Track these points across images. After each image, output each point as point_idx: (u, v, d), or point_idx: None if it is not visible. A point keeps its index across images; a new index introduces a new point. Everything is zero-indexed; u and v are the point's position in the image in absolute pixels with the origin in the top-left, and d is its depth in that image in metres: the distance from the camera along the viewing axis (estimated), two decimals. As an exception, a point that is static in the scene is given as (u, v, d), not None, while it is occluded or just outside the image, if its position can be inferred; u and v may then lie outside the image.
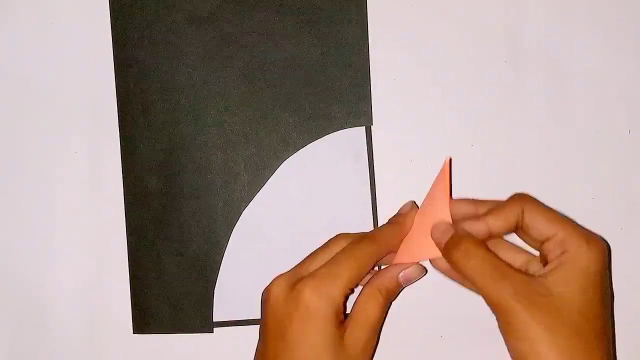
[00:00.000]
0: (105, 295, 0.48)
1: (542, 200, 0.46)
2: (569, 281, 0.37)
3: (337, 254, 0.41)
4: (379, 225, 0.46)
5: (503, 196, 0.44)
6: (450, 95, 0.47)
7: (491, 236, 0.40)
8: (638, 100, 0.47)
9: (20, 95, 0.49)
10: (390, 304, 0.42)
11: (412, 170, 0.47)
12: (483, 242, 0.39)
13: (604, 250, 0.38)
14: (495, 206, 0.40)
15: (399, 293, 0.42)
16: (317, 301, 0.39)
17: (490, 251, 0.39)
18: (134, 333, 0.48)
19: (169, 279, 0.47)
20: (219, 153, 0.47)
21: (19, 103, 0.48)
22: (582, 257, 0.37)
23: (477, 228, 0.39)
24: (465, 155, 0.47)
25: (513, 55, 0.47)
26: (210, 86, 0.47)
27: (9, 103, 0.49)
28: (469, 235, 0.39)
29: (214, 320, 0.47)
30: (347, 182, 0.46)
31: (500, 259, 0.38)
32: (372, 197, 0.46)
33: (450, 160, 0.41)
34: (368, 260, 0.40)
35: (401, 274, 0.41)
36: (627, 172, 0.47)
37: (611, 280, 0.42)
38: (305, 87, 0.47)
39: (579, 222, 0.46)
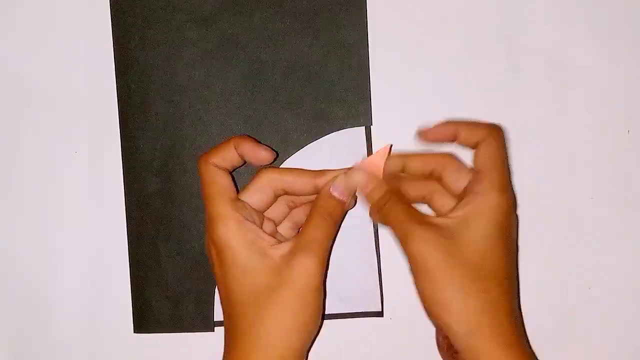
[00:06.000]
0: (106, 295, 0.48)
1: (541, 199, 0.47)
2: (472, 225, 0.39)
3: None
4: (377, 227, 0.47)
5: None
6: (450, 96, 0.47)
7: (406, 173, 0.43)
8: (638, 100, 0.47)
9: (21, 95, 0.49)
10: (339, 225, 0.42)
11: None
12: (399, 196, 0.41)
13: (511, 204, 0.40)
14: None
15: (347, 209, 0.42)
16: (218, 237, 0.40)
17: (404, 203, 0.41)
18: (134, 332, 0.48)
19: (170, 278, 0.47)
20: (220, 153, 0.47)
21: (20, 103, 0.49)
22: (490, 204, 0.39)
23: (393, 162, 0.42)
24: (465, 156, 0.47)
25: (513, 56, 0.47)
26: (211, 86, 0.47)
27: (10, 103, 0.49)
28: (389, 189, 0.41)
29: (215, 320, 0.47)
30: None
31: (411, 208, 0.40)
32: (372, 197, 0.46)
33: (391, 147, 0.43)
34: (265, 188, 0.42)
35: (330, 187, 0.41)
36: (626, 172, 0.47)
37: (517, 235, 0.43)
38: (306, 87, 0.47)
39: (578, 221, 0.47)
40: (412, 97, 0.47)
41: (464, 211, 0.39)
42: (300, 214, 0.44)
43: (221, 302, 0.41)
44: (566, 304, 0.47)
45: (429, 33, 0.47)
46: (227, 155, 0.41)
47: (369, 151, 0.46)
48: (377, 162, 0.42)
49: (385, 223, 0.41)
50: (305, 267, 0.39)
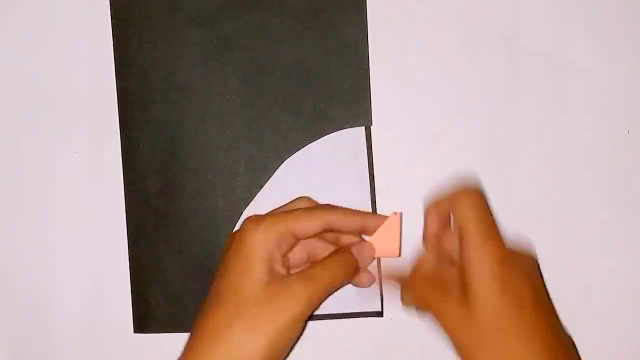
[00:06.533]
0: (106, 295, 0.48)
1: (540, 200, 0.47)
2: (472, 293, 0.38)
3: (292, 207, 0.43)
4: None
5: (502, 197, 0.44)
6: (450, 96, 0.47)
7: None
8: (637, 100, 0.47)
9: (21, 95, 0.49)
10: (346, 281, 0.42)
11: (411, 170, 0.47)
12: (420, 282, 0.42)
13: (498, 258, 0.38)
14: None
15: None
16: (249, 236, 0.39)
17: (428, 285, 0.41)
18: (134, 332, 0.48)
19: (170, 278, 0.47)
20: (220, 153, 0.47)
21: (20, 103, 0.49)
22: (475, 271, 0.38)
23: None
24: (465, 156, 0.47)
25: (513, 56, 0.47)
26: (211, 86, 0.47)
27: (10, 103, 0.49)
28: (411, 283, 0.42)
29: (214, 320, 0.47)
30: (346, 182, 0.46)
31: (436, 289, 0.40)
32: (371, 196, 0.46)
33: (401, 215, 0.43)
34: (316, 218, 0.41)
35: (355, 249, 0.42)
36: (626, 173, 0.47)
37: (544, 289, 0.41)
38: (305, 87, 0.47)
39: (578, 222, 0.47)
40: (412, 97, 0.47)
41: (463, 280, 0.39)
42: None
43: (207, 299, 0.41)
44: (566, 305, 0.47)
45: (429, 33, 0.47)
46: (345, 223, 0.42)
47: (369, 151, 0.46)
48: (391, 234, 0.43)
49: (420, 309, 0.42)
50: (296, 296, 0.38)
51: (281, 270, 0.40)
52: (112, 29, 0.48)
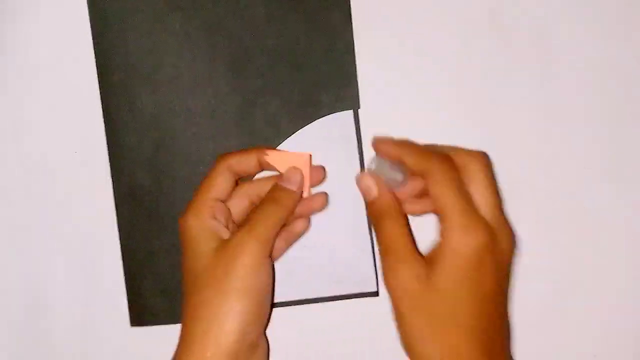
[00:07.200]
0: (102, 290, 0.48)
1: (538, 194, 0.47)
2: (436, 268, 0.37)
3: None
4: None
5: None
6: (436, 77, 0.47)
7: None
8: (630, 79, 0.47)
9: (16, 91, 0.48)
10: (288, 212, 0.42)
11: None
12: (399, 217, 0.40)
13: (479, 243, 0.37)
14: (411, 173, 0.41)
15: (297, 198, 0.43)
16: (185, 227, 0.42)
17: (403, 227, 0.39)
18: (131, 326, 0.48)
19: (164, 271, 0.47)
20: (210, 143, 0.47)
21: (14, 99, 0.48)
22: (451, 247, 0.37)
23: (390, 149, 0.41)
24: (454, 135, 0.47)
25: (501, 35, 0.47)
26: (197, 76, 0.47)
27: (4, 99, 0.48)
28: (390, 207, 0.40)
29: (211, 309, 0.47)
30: (337, 165, 0.46)
31: (408, 237, 0.39)
32: (362, 179, 0.47)
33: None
34: (220, 172, 0.42)
35: (282, 180, 0.43)
36: (622, 164, 0.47)
37: (506, 271, 0.40)
38: (292, 73, 0.47)
39: (570, 209, 0.47)
40: (398, 79, 0.47)
41: (431, 252, 0.38)
42: None
43: None
44: (564, 305, 0.47)
45: (414, 14, 0.47)
46: (244, 162, 0.43)
47: (358, 134, 0.47)
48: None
49: (377, 234, 0.41)
50: (244, 247, 0.40)
51: (225, 230, 0.42)
52: (90, 20, 0.47)
